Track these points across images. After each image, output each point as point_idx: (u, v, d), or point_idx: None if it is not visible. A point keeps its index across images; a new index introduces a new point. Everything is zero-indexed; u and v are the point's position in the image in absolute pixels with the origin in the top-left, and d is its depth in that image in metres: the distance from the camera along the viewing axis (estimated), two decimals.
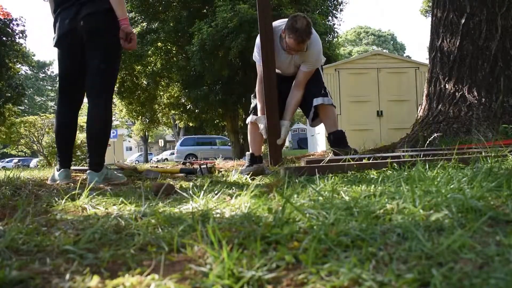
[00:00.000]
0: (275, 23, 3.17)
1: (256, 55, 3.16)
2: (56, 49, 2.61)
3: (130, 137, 36.42)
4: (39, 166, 10.27)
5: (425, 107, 4.24)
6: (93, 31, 2.42)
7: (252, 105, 3.30)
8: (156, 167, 3.85)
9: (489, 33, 3.89)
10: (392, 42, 55.40)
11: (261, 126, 3.10)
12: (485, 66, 3.88)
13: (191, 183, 2.10)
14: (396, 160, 2.18)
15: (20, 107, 21.56)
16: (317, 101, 3.13)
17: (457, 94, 3.93)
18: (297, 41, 2.90)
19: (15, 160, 27.11)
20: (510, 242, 0.80)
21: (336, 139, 3.14)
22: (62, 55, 2.58)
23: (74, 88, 2.58)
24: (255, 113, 3.20)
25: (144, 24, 15.62)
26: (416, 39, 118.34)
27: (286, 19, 3.19)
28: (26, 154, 20.11)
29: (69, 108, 2.62)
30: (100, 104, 2.48)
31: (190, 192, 1.58)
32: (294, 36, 2.87)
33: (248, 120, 3.25)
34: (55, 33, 2.53)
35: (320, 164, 2.27)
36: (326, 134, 3.33)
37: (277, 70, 3.16)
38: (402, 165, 2.04)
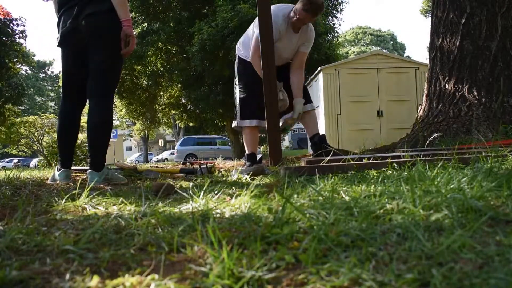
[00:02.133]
0: (278, 7, 3.21)
1: (255, 30, 3.16)
2: (59, 49, 2.61)
3: (131, 136, 36.44)
4: (39, 166, 10.27)
5: (425, 107, 4.24)
6: (95, 31, 2.42)
7: (243, 109, 3.29)
8: (156, 167, 3.85)
9: (489, 33, 3.88)
10: (392, 42, 55.40)
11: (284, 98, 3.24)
12: (485, 66, 3.87)
13: (191, 183, 2.10)
14: (396, 160, 2.18)
15: (20, 107, 21.57)
16: (311, 106, 3.44)
17: (457, 94, 3.93)
18: (308, 9, 3.04)
19: (15, 160, 27.12)
20: (510, 242, 0.80)
21: (322, 140, 3.35)
22: (65, 55, 2.58)
23: (77, 88, 2.58)
24: (251, 117, 3.24)
25: (145, 25, 15.62)
26: (416, 39, 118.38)
27: (287, 4, 3.29)
28: (27, 154, 20.11)
29: (72, 108, 2.62)
30: (101, 104, 2.48)
31: (190, 192, 1.58)
32: (305, 2, 3.02)
33: (247, 124, 3.26)
34: (58, 33, 2.54)
35: (320, 164, 2.27)
36: (310, 134, 3.49)
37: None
38: (402, 165, 2.04)
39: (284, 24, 3.15)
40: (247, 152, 3.40)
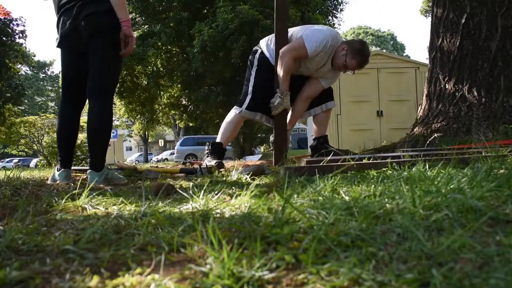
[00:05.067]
0: (332, 33, 3.13)
1: (319, 47, 3.03)
2: (59, 49, 2.61)
3: (131, 136, 36.46)
4: (39, 166, 10.27)
5: (425, 107, 4.24)
6: (94, 32, 2.42)
7: (251, 101, 3.18)
8: (156, 167, 3.85)
9: (489, 33, 3.88)
10: (392, 42, 55.40)
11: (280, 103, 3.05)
12: (485, 66, 3.87)
13: (191, 183, 2.10)
14: (396, 160, 2.18)
15: (20, 107, 21.58)
16: (334, 103, 3.44)
17: (457, 94, 3.93)
18: (360, 66, 3.11)
19: (15, 160, 27.17)
20: (510, 242, 0.80)
21: (325, 142, 3.40)
22: (64, 56, 2.58)
23: (77, 88, 2.58)
24: (254, 110, 3.17)
25: (146, 26, 15.61)
26: (416, 39, 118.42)
27: (335, 32, 3.19)
28: (27, 154, 20.12)
29: (72, 108, 2.62)
30: (100, 105, 2.49)
31: (190, 192, 1.58)
32: (359, 60, 3.07)
33: (247, 116, 3.18)
34: (58, 33, 2.54)
35: (320, 164, 2.27)
36: (317, 134, 3.46)
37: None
38: (402, 165, 2.03)
39: (332, 50, 3.10)
40: (218, 139, 3.29)
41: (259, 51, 3.28)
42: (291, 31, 3.18)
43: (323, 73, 3.23)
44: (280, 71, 3.01)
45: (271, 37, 3.26)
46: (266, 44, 3.27)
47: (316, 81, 3.28)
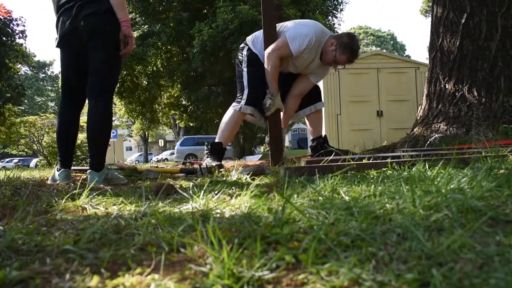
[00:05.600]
0: (322, 28, 3.15)
1: (303, 45, 3.01)
2: (58, 50, 2.61)
3: (131, 136, 36.48)
4: (39, 166, 10.27)
5: (425, 107, 4.24)
6: (94, 32, 2.42)
7: (249, 95, 3.15)
8: (156, 167, 3.85)
9: (489, 33, 3.88)
10: (392, 42, 55.40)
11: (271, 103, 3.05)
12: (485, 66, 3.87)
13: (191, 183, 2.10)
14: (396, 160, 2.18)
15: (20, 107, 21.59)
16: (321, 105, 3.41)
17: (457, 94, 3.93)
18: (350, 61, 3.07)
19: (15, 160, 27.21)
20: (510, 242, 0.80)
21: (325, 142, 3.41)
22: (64, 56, 2.58)
23: (76, 88, 2.58)
24: (253, 104, 3.13)
25: (146, 26, 15.61)
26: (416, 39, 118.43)
27: (320, 27, 3.15)
28: (27, 154, 20.13)
29: (71, 107, 2.62)
30: (100, 104, 2.48)
31: (190, 192, 1.58)
32: (349, 56, 3.03)
33: (247, 111, 3.13)
34: (57, 33, 2.54)
35: (320, 164, 2.27)
36: (314, 135, 3.47)
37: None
38: (402, 165, 2.03)
39: (319, 45, 3.07)
40: (217, 139, 3.25)
41: (246, 47, 3.29)
42: (279, 26, 3.19)
43: (312, 69, 3.23)
44: (267, 71, 3.05)
45: (258, 33, 3.27)
46: (252, 41, 3.28)
47: (305, 78, 3.28)
